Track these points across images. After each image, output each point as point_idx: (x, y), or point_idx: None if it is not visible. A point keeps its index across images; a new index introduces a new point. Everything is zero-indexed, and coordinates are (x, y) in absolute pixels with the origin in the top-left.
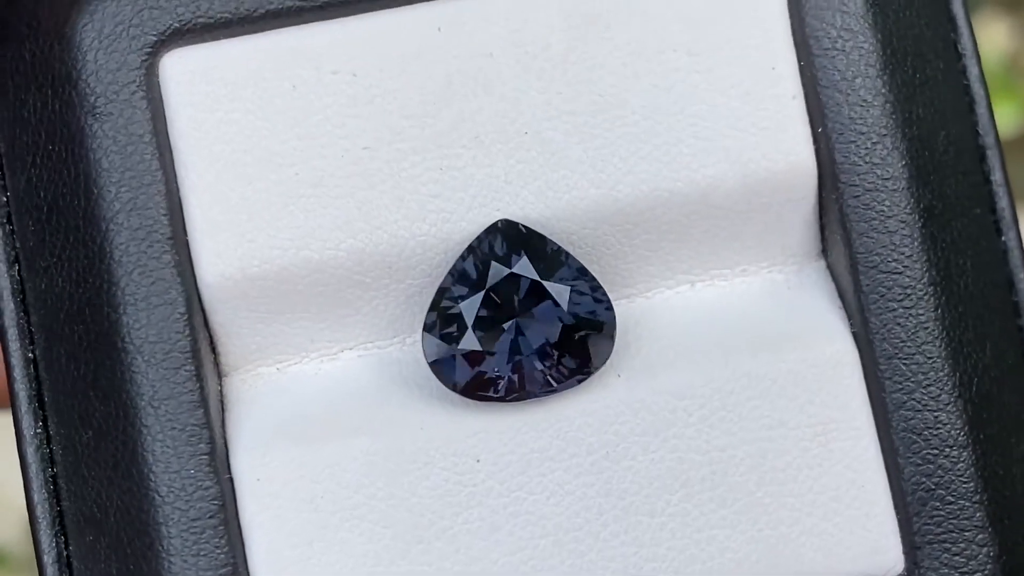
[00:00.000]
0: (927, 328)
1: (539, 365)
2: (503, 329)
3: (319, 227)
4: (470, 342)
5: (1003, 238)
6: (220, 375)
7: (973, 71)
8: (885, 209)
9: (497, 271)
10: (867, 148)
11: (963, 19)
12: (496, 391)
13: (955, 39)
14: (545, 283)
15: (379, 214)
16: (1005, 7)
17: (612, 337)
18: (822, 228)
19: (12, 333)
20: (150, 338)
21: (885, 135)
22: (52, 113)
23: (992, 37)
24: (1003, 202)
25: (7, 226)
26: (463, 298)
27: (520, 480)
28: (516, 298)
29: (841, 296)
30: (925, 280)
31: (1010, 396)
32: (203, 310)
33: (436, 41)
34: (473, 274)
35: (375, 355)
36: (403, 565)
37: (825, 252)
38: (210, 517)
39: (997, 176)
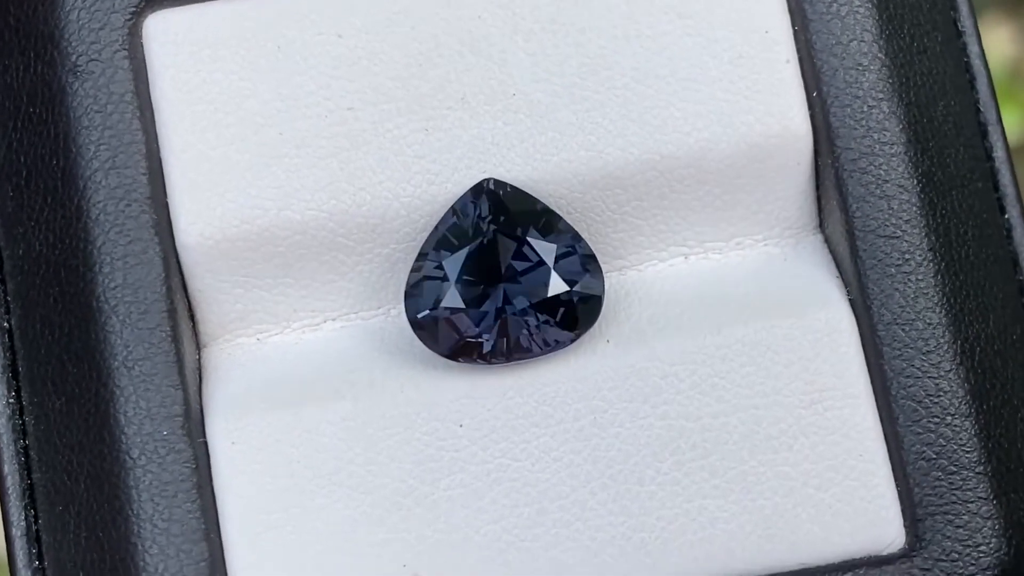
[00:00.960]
0: (926, 294)
1: (525, 328)
2: (488, 291)
3: (301, 188)
4: (453, 303)
5: (1007, 215)
6: (199, 345)
7: (973, 49)
8: (882, 173)
9: (481, 230)
10: (863, 112)
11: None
12: (481, 354)
13: (954, 16)
14: (532, 242)
15: (363, 175)
16: (1007, 12)
17: (600, 300)
18: (818, 199)
19: None
20: (126, 298)
21: (882, 99)
22: (34, 75)
23: (995, 43)
24: (1006, 179)
25: None
26: (446, 259)
27: (504, 446)
28: (502, 260)
29: (838, 264)
30: (924, 246)
31: (1015, 370)
32: (181, 273)
33: (423, 2)
34: (456, 234)
35: (358, 325)
36: (381, 533)
37: (822, 225)
38: (182, 481)
39: (1000, 153)
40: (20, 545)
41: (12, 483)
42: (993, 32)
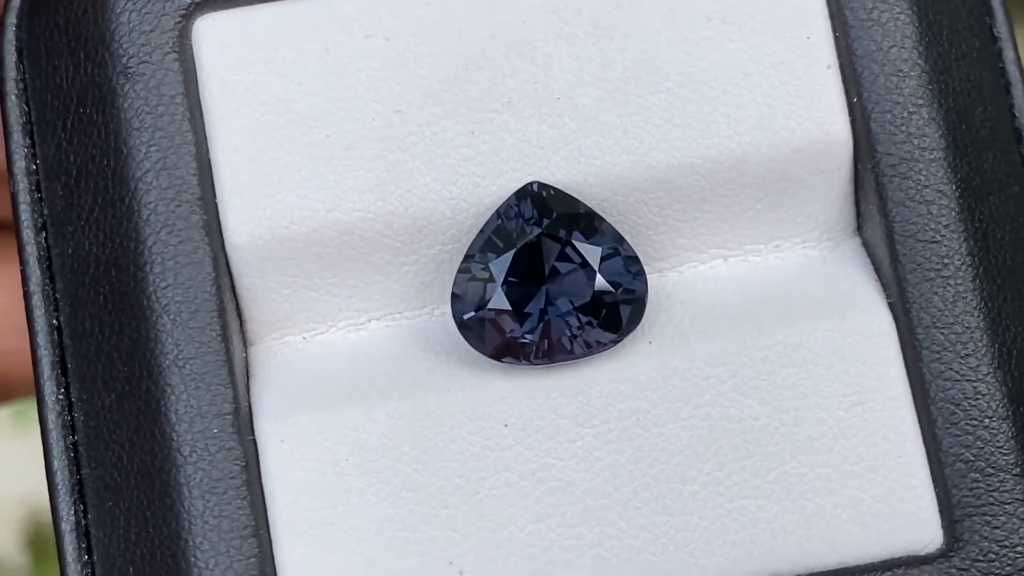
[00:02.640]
0: (965, 299)
1: (568, 330)
2: (533, 293)
3: (349, 189)
4: (499, 303)
5: None
6: (246, 343)
7: (1009, 55)
8: (922, 179)
9: (526, 233)
10: (903, 118)
11: (998, 3)
12: (525, 355)
13: (990, 23)
14: (577, 244)
15: (410, 177)
16: (1015, 21)
17: (643, 302)
18: (857, 203)
19: (36, 300)
20: (176, 298)
21: (921, 105)
22: (84, 76)
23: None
24: None
25: (35, 194)
26: (493, 261)
27: (548, 446)
28: (546, 262)
29: (877, 268)
30: (963, 251)
31: None
32: (230, 273)
33: (469, 6)
34: (502, 236)
35: (403, 325)
36: (427, 530)
37: (860, 228)
38: (232, 478)
39: None
40: (69, 540)
41: (61, 478)
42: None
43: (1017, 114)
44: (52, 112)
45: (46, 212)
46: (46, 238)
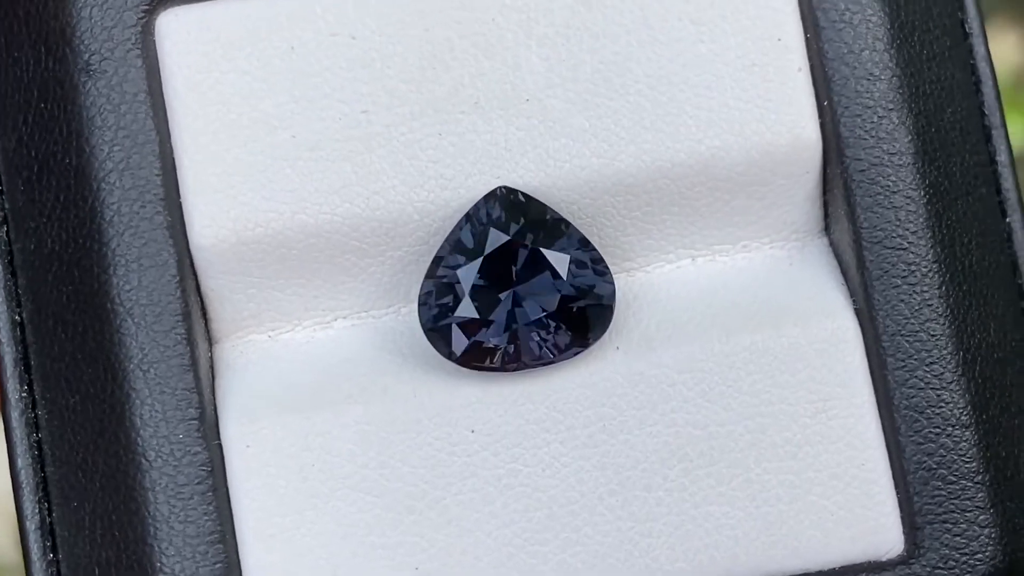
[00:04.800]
0: (931, 305)
1: (536, 336)
2: (500, 298)
3: (315, 191)
4: (467, 310)
5: (1008, 219)
6: (211, 342)
7: (979, 50)
8: (890, 184)
9: (495, 238)
10: (873, 122)
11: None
12: (492, 361)
13: (962, 18)
14: (544, 251)
15: (376, 179)
16: (1014, 19)
17: (611, 309)
18: (825, 204)
19: None
20: (140, 300)
21: (891, 109)
22: (45, 71)
23: (1001, 50)
24: (1008, 183)
25: None
26: (460, 266)
27: (515, 452)
28: (514, 267)
29: (844, 272)
30: (930, 257)
31: (1014, 377)
32: (195, 274)
33: (438, 5)
34: (470, 242)
35: (369, 324)
36: (394, 536)
37: (828, 228)
38: (198, 483)
39: (1003, 157)
40: (34, 537)
41: (26, 476)
42: (1000, 40)
43: (987, 112)
44: (12, 105)
45: (7, 206)
46: (7, 232)
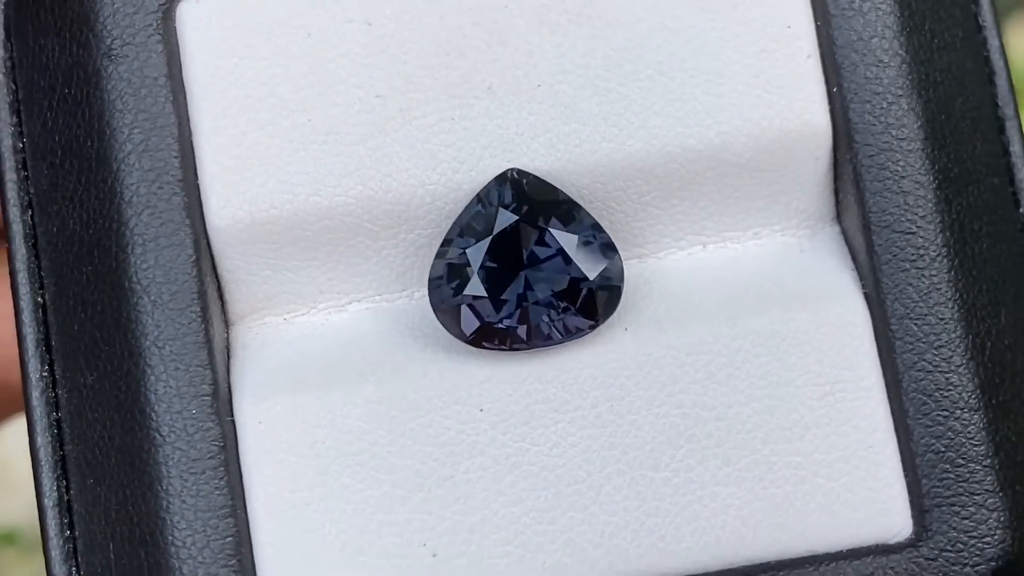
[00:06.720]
0: (940, 290)
1: (546, 316)
2: (510, 279)
3: (330, 173)
4: (476, 290)
5: (1021, 209)
6: (227, 323)
7: (993, 43)
8: (900, 169)
9: (505, 219)
10: (882, 108)
11: None
12: (502, 341)
13: (975, 11)
14: (554, 232)
15: (390, 162)
16: None
17: (620, 289)
18: (836, 191)
19: (22, 277)
20: (157, 279)
21: (901, 96)
22: (69, 56)
23: (1018, 45)
24: (1021, 173)
25: (22, 172)
26: (470, 246)
27: (523, 431)
28: (524, 248)
29: (854, 257)
30: (939, 242)
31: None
32: (211, 254)
33: None
34: (481, 223)
35: (383, 308)
36: (403, 512)
37: (839, 216)
38: (210, 458)
39: (1016, 148)
40: (52, 515)
41: (45, 455)
42: (1015, 34)
43: (1000, 103)
44: (38, 91)
45: (32, 191)
46: (32, 216)
